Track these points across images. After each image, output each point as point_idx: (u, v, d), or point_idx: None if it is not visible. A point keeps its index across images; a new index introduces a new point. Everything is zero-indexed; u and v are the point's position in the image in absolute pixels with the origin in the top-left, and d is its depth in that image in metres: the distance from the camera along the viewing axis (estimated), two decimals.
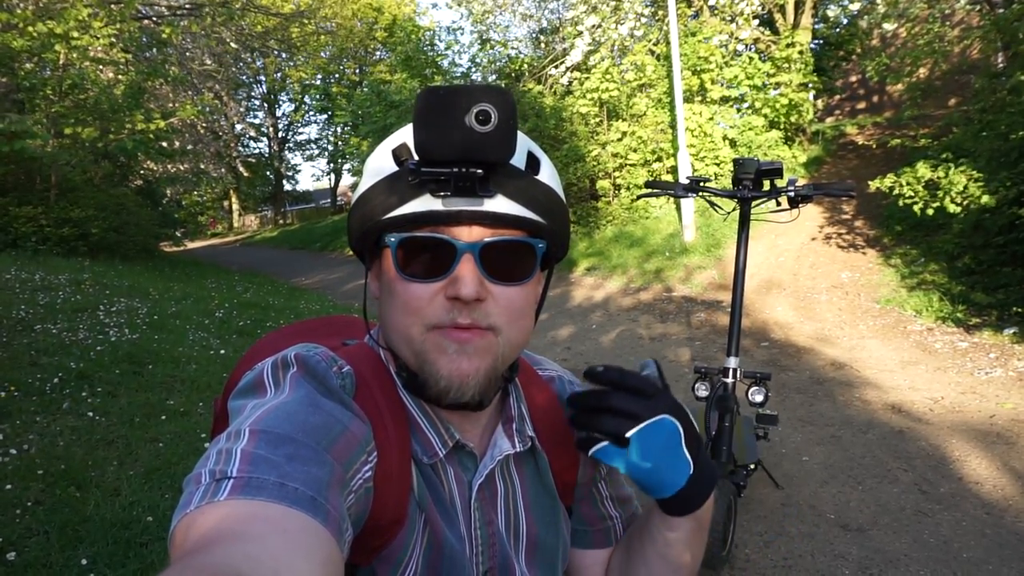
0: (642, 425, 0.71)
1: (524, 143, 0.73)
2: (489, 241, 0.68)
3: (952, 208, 6.20)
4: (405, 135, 0.71)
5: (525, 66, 14.31)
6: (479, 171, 0.64)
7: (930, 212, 6.49)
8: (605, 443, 0.73)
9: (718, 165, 11.24)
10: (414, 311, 0.70)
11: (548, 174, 0.74)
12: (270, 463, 0.55)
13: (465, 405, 0.72)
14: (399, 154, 0.70)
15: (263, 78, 28.92)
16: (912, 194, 6.55)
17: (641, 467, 0.73)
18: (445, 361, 0.69)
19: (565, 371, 0.95)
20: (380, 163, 0.72)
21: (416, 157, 0.66)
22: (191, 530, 0.51)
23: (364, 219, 0.72)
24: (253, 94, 30.32)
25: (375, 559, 0.71)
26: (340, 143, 29.32)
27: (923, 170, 6.46)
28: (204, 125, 17.53)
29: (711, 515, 0.84)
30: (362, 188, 0.74)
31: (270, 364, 0.72)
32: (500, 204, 0.68)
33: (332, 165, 32.53)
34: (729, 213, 2.97)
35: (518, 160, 0.71)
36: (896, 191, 6.78)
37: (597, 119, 12.04)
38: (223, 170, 21.99)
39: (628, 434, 0.71)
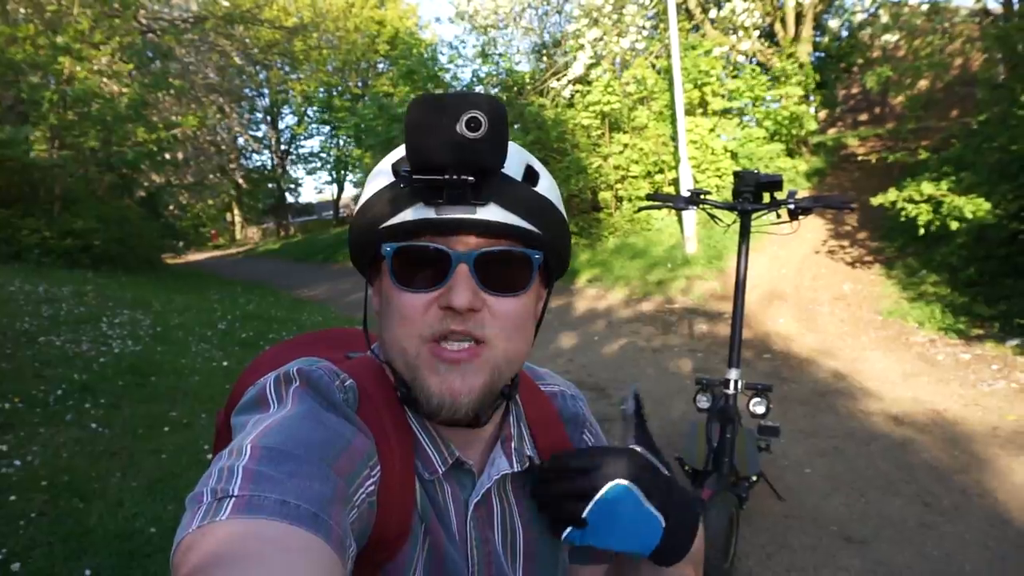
0: (591, 504, 0.74)
1: (522, 156, 0.72)
2: (484, 251, 0.68)
3: (955, 225, 6.21)
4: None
5: (527, 79, 14.38)
6: (471, 178, 0.64)
7: (933, 229, 6.50)
8: (568, 529, 0.76)
9: (719, 177, 11.26)
10: (409, 322, 0.69)
11: (547, 187, 0.74)
12: (272, 480, 0.55)
13: (459, 422, 0.71)
14: (397, 166, 0.69)
15: (266, 91, 29.07)
16: (915, 213, 6.55)
17: (608, 540, 0.75)
18: (436, 380, 0.68)
19: (568, 385, 0.94)
20: (379, 175, 0.73)
21: (409, 166, 0.66)
22: (192, 551, 0.50)
23: (360, 230, 0.73)
24: (256, 107, 30.48)
25: (379, 573, 0.70)
26: (344, 155, 29.41)
27: (927, 187, 6.46)
28: (207, 139, 17.57)
29: (702, 546, 0.83)
30: (360, 201, 0.75)
31: (272, 379, 0.71)
32: (494, 212, 0.67)
33: (334, 176, 32.64)
34: (730, 225, 2.98)
35: (515, 172, 0.70)
36: (899, 206, 6.79)
37: (599, 131, 12.08)
38: (225, 180, 22.05)
39: (583, 515, 0.74)
